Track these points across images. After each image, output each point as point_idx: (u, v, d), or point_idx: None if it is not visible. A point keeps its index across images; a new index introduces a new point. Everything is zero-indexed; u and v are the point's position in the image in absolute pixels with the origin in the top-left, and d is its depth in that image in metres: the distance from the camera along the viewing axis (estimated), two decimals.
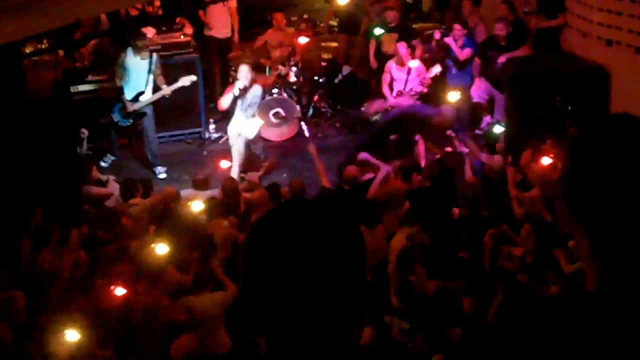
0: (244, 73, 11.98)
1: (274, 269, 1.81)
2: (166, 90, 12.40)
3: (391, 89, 13.15)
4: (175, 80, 12.46)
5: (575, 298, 1.89)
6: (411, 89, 12.94)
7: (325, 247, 1.82)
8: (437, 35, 13.78)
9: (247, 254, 1.86)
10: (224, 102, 12.12)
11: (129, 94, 12.35)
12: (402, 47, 13.00)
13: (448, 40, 13.24)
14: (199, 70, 13.60)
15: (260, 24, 15.55)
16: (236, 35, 14.57)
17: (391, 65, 13.16)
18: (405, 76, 12.99)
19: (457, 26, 13.29)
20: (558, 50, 12.25)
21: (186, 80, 12.52)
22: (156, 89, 12.43)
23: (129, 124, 12.50)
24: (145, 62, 12.34)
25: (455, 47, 13.15)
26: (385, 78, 13.21)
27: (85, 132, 12.51)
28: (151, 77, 12.37)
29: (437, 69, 12.90)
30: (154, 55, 12.43)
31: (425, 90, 13.04)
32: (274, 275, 1.81)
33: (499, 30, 12.56)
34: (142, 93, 12.37)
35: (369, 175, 10.70)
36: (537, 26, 12.47)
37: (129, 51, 12.30)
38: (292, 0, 16.62)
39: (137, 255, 8.81)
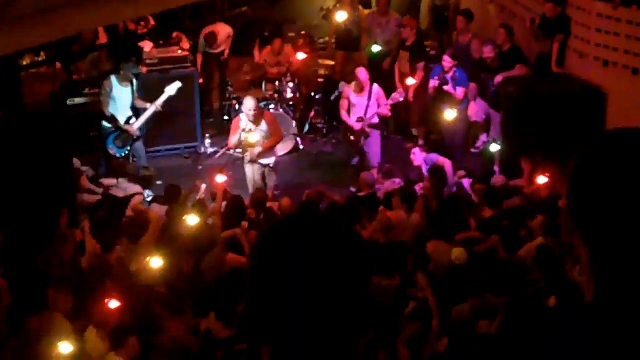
0: (250, 107, 11.40)
1: (280, 278, 1.83)
2: (156, 104, 12.34)
3: (349, 115, 12.52)
4: (162, 92, 12.37)
5: (574, 309, 1.90)
6: (373, 115, 12.33)
7: (330, 258, 1.84)
8: (435, 83, 12.75)
9: (254, 264, 1.87)
10: (234, 140, 11.67)
11: (121, 121, 12.29)
12: (362, 73, 12.40)
13: (448, 88, 12.58)
14: (196, 85, 13.62)
15: (261, 39, 15.52)
16: (227, 52, 14.63)
17: (349, 91, 12.57)
18: (366, 102, 12.34)
19: (445, 58, 12.72)
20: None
21: (172, 89, 12.40)
22: (139, 110, 12.44)
23: (126, 153, 12.41)
24: (129, 88, 12.30)
25: (452, 92, 12.60)
26: (343, 104, 12.60)
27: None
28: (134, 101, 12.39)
29: (398, 97, 12.37)
30: (134, 80, 12.38)
31: (389, 114, 12.71)
32: (280, 283, 1.83)
33: (488, 54, 12.52)
34: (131, 118, 12.34)
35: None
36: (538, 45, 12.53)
37: (114, 79, 12.23)
38: (291, 17, 16.64)
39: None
